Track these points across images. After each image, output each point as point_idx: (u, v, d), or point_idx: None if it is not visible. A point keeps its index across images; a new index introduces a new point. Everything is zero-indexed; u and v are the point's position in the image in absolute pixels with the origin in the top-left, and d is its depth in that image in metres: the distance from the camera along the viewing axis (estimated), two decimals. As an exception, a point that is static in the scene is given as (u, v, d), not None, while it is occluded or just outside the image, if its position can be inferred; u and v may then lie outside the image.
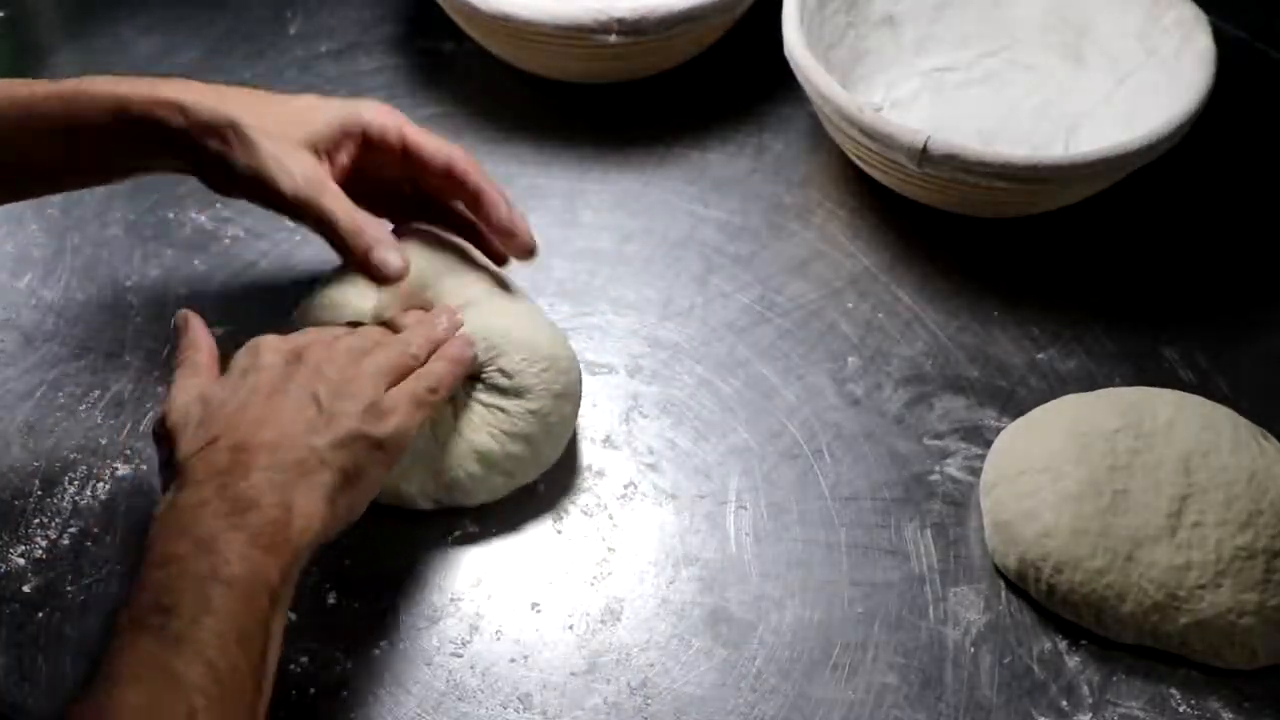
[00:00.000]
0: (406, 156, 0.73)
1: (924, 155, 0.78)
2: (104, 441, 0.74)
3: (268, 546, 0.57)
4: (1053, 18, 0.94)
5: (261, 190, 0.68)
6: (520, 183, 0.89)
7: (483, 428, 0.70)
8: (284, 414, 0.61)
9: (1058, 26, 0.93)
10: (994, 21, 0.95)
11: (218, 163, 0.69)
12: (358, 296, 0.73)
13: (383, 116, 0.73)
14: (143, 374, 0.78)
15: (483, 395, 0.71)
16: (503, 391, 0.70)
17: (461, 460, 0.70)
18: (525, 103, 0.95)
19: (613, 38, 0.86)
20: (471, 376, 0.71)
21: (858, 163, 0.87)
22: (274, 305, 0.81)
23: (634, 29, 0.86)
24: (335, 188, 0.69)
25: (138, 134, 0.69)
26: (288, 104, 0.73)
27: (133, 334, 0.80)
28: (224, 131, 0.68)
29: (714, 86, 0.96)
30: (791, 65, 0.85)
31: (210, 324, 0.80)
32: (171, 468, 0.60)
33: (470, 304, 0.72)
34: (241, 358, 0.64)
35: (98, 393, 0.77)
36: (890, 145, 0.79)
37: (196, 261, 0.84)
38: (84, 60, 0.98)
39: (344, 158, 0.72)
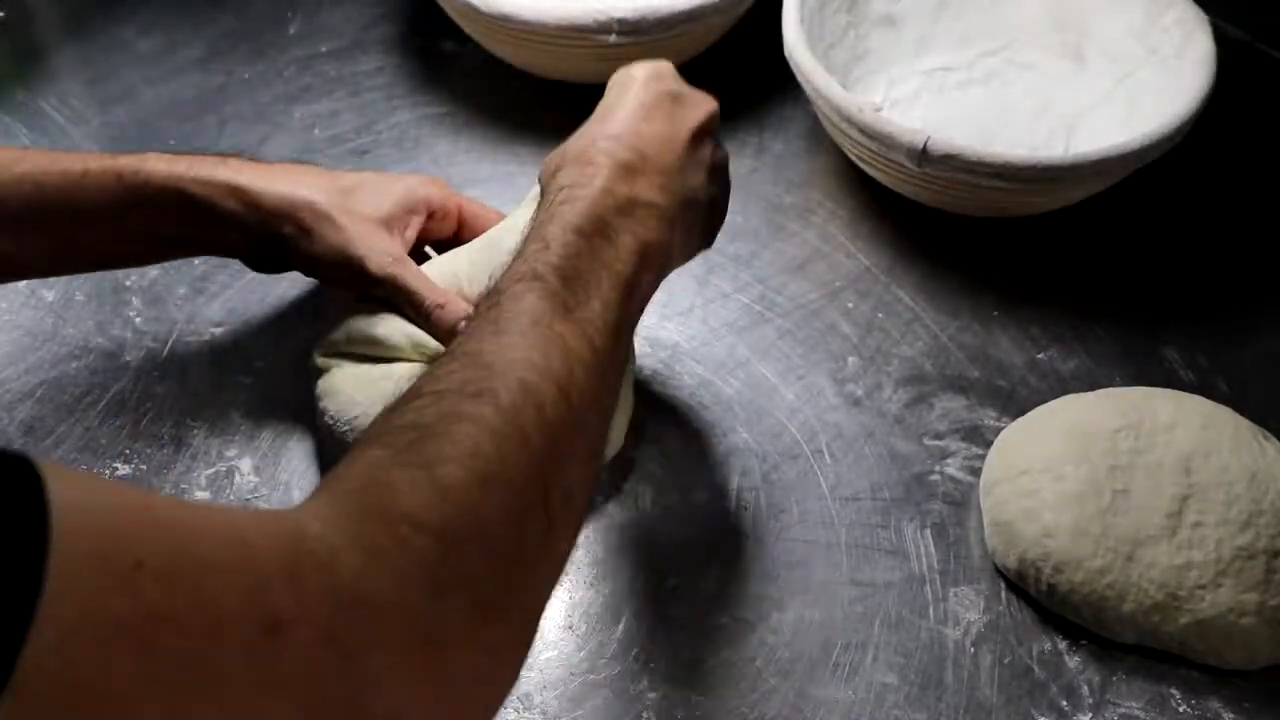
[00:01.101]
0: (461, 223, 0.78)
1: (924, 155, 0.78)
2: (104, 441, 0.74)
3: (646, 262, 0.58)
4: (1053, 18, 0.94)
5: (344, 269, 0.70)
6: (520, 183, 0.89)
7: None
8: (668, 131, 0.63)
9: (1058, 26, 0.93)
10: (994, 21, 0.95)
11: (289, 244, 0.70)
12: (396, 331, 0.72)
13: (440, 191, 0.77)
14: (143, 374, 0.78)
15: None
16: None
17: None
18: (525, 103, 0.95)
19: (613, 38, 0.86)
20: None
21: (858, 163, 0.87)
22: (274, 305, 0.81)
23: (634, 29, 0.86)
24: (413, 264, 0.72)
25: (197, 217, 0.70)
26: (357, 181, 0.74)
27: (133, 334, 0.80)
28: (301, 214, 0.70)
29: (714, 86, 0.96)
30: (791, 65, 0.85)
31: (210, 324, 0.80)
32: (592, 148, 0.61)
33: None
34: (630, 71, 0.66)
35: (97, 393, 0.77)
36: (890, 145, 0.79)
37: (196, 261, 0.84)
38: (84, 60, 0.98)
39: (410, 232, 0.74)
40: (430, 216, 0.76)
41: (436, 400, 0.48)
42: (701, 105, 0.66)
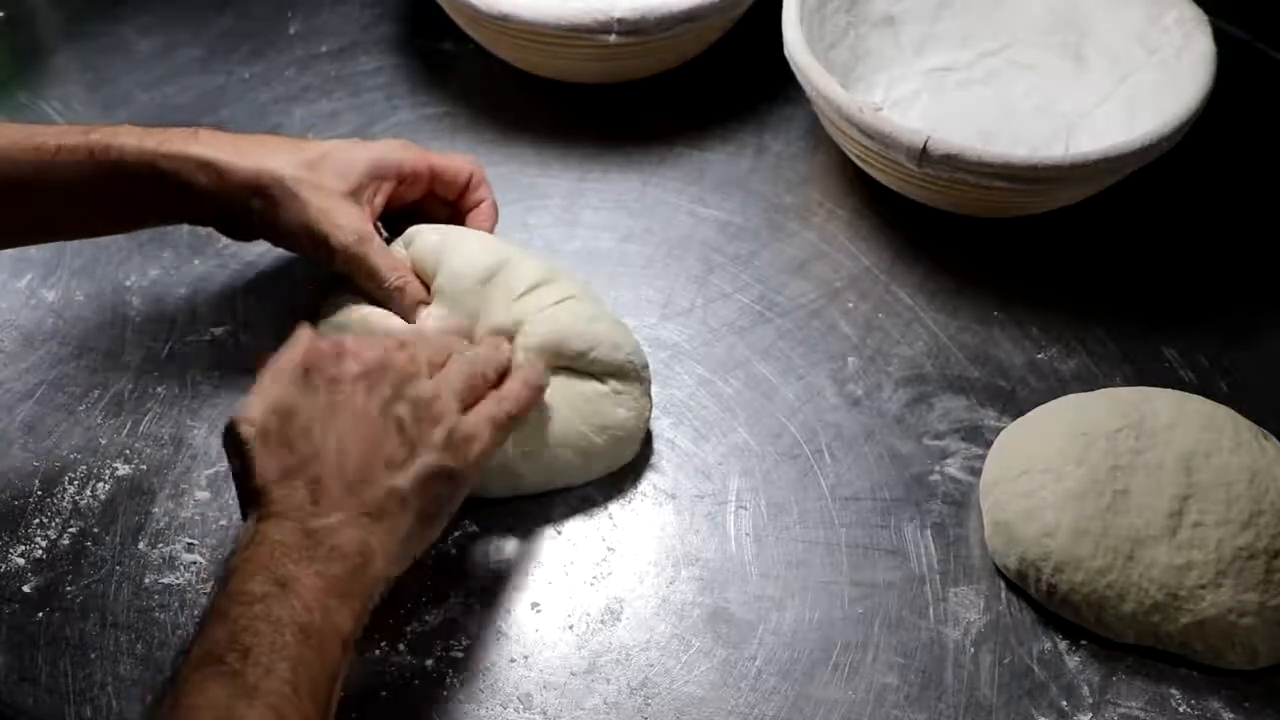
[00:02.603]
0: (434, 180, 0.78)
1: (924, 155, 0.78)
2: (104, 441, 0.74)
3: (344, 594, 0.56)
4: (1053, 18, 0.94)
5: (309, 243, 0.72)
6: (520, 183, 0.89)
7: (575, 419, 0.71)
8: (367, 444, 0.60)
9: (1058, 26, 0.93)
10: (994, 21, 0.95)
11: (256, 217, 0.72)
12: (388, 318, 0.74)
13: (410, 155, 0.77)
14: (143, 374, 0.78)
15: (582, 385, 0.72)
16: (602, 380, 0.72)
17: (561, 446, 0.71)
18: (525, 103, 0.95)
19: (613, 38, 0.86)
20: (565, 367, 0.72)
21: (858, 163, 0.86)
22: (274, 305, 0.81)
23: (634, 29, 0.86)
24: (379, 240, 0.73)
25: (167, 192, 0.71)
26: (323, 153, 0.74)
27: (133, 334, 0.80)
28: (268, 188, 0.71)
29: (714, 86, 0.96)
30: (791, 65, 0.85)
31: (210, 324, 0.80)
32: (248, 489, 0.59)
33: (542, 284, 0.73)
34: (323, 360, 0.62)
35: (98, 393, 0.77)
36: (890, 145, 0.79)
37: (196, 261, 0.84)
38: (84, 60, 0.98)
39: (379, 199, 0.75)
40: (400, 181, 0.76)
41: None
42: (429, 409, 0.62)
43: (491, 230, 0.79)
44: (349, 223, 0.72)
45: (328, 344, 0.63)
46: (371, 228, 0.73)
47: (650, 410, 0.74)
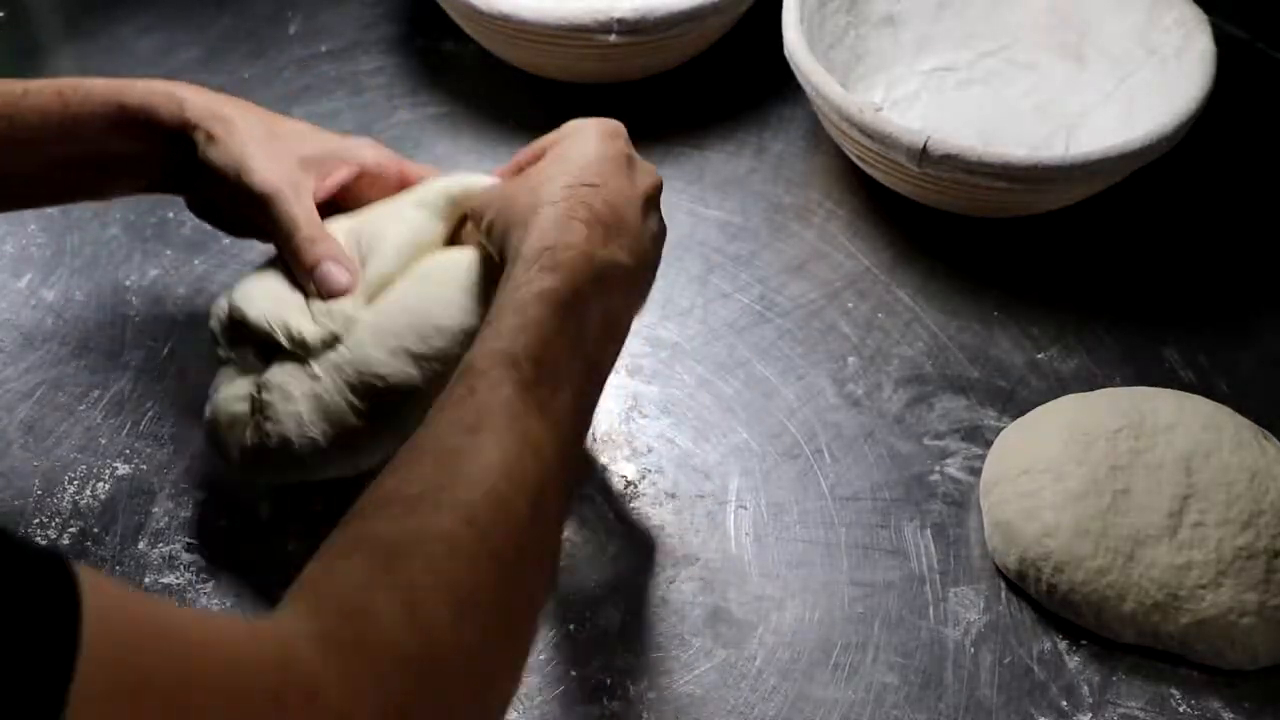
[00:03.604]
0: (402, 184, 0.74)
1: (924, 155, 0.78)
2: (104, 441, 0.74)
3: (613, 337, 0.58)
4: (1053, 18, 0.94)
5: (232, 183, 0.68)
6: (520, 183, 0.89)
7: None
8: (635, 202, 0.61)
9: (1058, 26, 0.93)
10: (994, 21, 0.95)
11: (200, 156, 0.69)
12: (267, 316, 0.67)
13: (379, 153, 0.74)
14: (143, 374, 0.78)
15: None
16: None
17: None
18: (525, 103, 0.95)
19: (613, 38, 0.86)
20: None
21: (858, 163, 0.87)
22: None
23: (634, 29, 0.86)
24: (308, 201, 0.69)
25: (134, 127, 0.69)
26: (292, 126, 0.72)
27: (133, 334, 0.80)
28: (213, 126, 0.68)
29: (714, 86, 0.96)
30: (791, 65, 0.85)
31: (210, 324, 0.80)
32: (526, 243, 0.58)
33: None
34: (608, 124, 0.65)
35: (98, 393, 0.77)
36: (890, 145, 0.79)
37: (196, 261, 0.84)
38: (84, 60, 0.98)
39: (331, 182, 0.71)
40: (361, 178, 0.72)
41: (410, 509, 0.48)
42: (651, 172, 0.65)
43: None
44: (283, 171, 0.68)
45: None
46: (306, 184, 0.69)
47: None
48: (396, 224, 0.68)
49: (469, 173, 0.71)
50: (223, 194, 0.69)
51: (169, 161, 0.71)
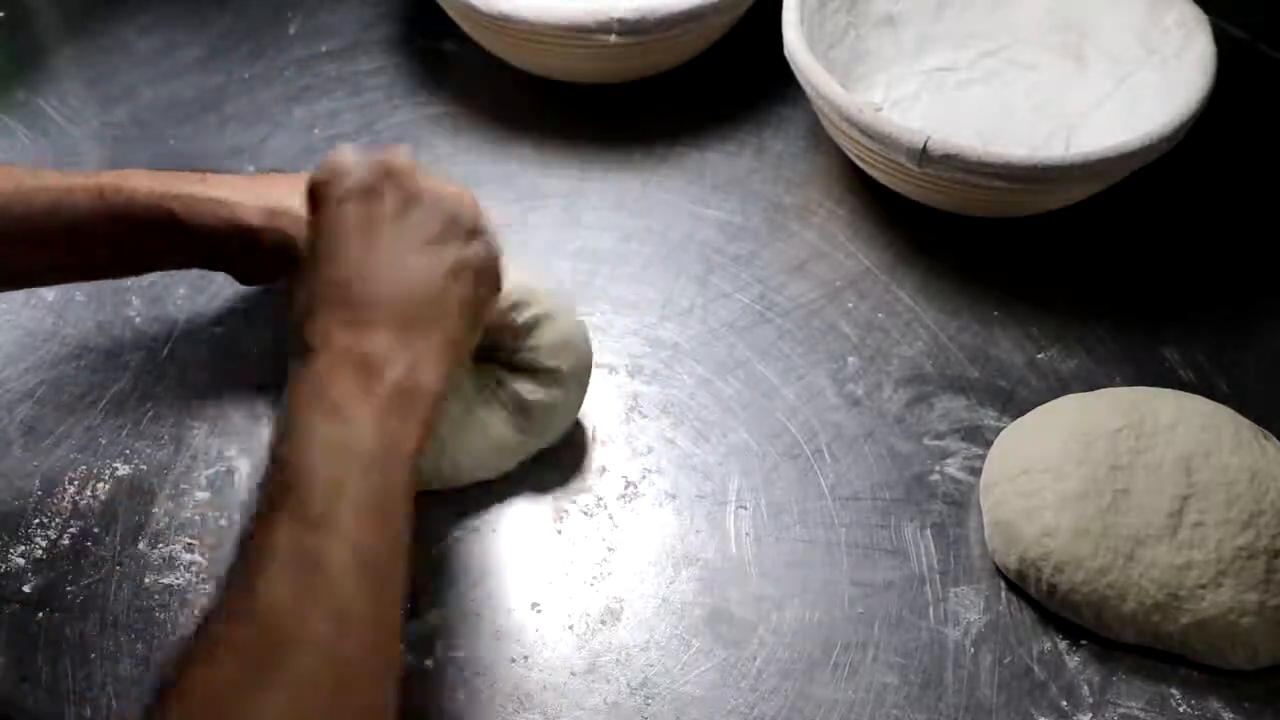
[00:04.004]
0: None
1: (924, 155, 0.78)
2: (104, 441, 0.74)
3: (401, 412, 0.55)
4: (1053, 18, 0.94)
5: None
6: (520, 183, 0.89)
7: (495, 404, 0.71)
8: (391, 257, 0.58)
9: (1058, 26, 0.93)
10: (994, 21, 0.95)
11: (274, 253, 0.70)
12: None
13: None
14: (143, 374, 0.78)
15: (506, 374, 0.71)
16: (532, 371, 0.71)
17: (473, 439, 0.71)
18: (525, 103, 0.95)
19: (613, 38, 0.86)
20: (498, 349, 0.71)
21: (858, 163, 0.87)
22: (274, 305, 0.81)
23: (634, 29, 0.86)
24: None
25: (179, 234, 0.70)
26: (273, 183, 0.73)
27: (133, 334, 0.80)
28: (280, 220, 0.69)
29: (714, 86, 0.96)
30: (791, 65, 0.85)
31: (210, 324, 0.80)
32: (292, 333, 0.57)
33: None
34: (325, 187, 0.60)
35: (97, 393, 0.77)
36: (890, 145, 0.79)
37: (196, 261, 0.84)
38: (84, 60, 0.98)
39: None
40: None
41: (230, 657, 0.47)
42: (440, 204, 0.60)
43: None
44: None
45: (322, 169, 0.60)
46: None
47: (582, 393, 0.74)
48: None
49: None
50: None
51: (222, 260, 0.73)
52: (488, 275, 0.62)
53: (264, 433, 0.75)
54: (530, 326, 0.70)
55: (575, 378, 0.72)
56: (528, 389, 0.71)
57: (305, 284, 0.58)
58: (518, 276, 0.70)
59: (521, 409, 0.71)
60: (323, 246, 0.58)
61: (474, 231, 0.61)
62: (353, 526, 0.51)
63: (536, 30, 0.86)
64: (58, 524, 0.71)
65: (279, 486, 0.52)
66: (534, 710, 0.64)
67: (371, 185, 0.60)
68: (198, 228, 0.70)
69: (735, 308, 0.82)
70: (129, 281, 0.83)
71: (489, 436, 0.71)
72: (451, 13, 0.93)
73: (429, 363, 0.57)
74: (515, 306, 0.70)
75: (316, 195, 0.60)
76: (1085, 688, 0.66)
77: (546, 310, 0.71)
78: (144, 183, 0.70)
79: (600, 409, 0.77)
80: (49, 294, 0.82)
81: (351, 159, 0.60)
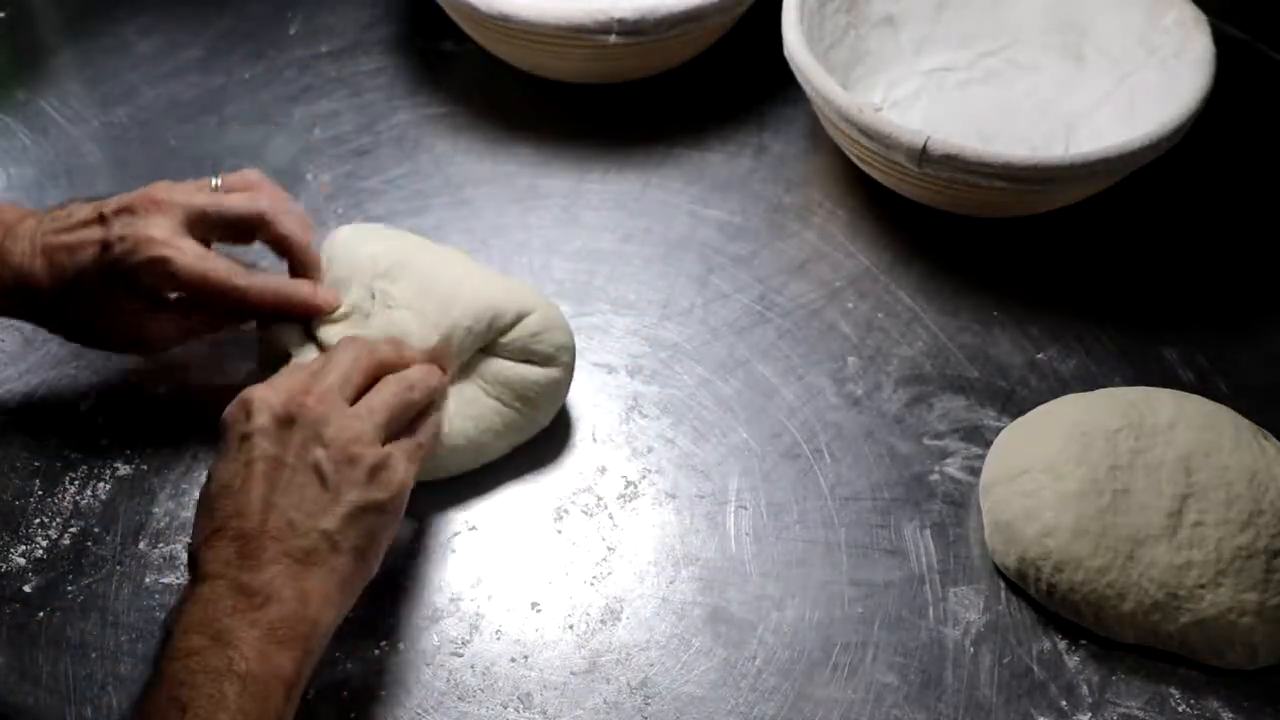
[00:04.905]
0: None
1: (924, 155, 0.78)
2: (104, 441, 0.74)
3: (283, 640, 0.57)
4: (1053, 18, 0.94)
5: (155, 281, 0.70)
6: (520, 183, 0.89)
7: (480, 398, 0.72)
8: (289, 495, 0.60)
9: (1058, 26, 0.93)
10: (994, 21, 0.95)
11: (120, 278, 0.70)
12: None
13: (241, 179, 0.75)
14: (143, 375, 0.78)
15: (492, 366, 0.72)
16: (517, 360, 0.72)
17: (461, 429, 0.71)
18: (525, 103, 0.95)
19: (613, 38, 0.86)
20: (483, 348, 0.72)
21: (858, 163, 0.87)
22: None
23: (634, 29, 0.86)
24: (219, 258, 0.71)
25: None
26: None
27: (133, 334, 0.80)
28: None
29: (714, 86, 0.96)
30: (791, 65, 0.85)
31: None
32: (191, 555, 0.60)
33: (461, 277, 0.73)
34: (234, 422, 0.62)
35: (98, 393, 0.77)
36: (890, 145, 0.79)
37: (196, 261, 0.84)
38: (84, 61, 0.98)
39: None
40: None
41: None
42: (345, 449, 0.61)
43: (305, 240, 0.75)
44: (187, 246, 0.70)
45: (236, 403, 0.63)
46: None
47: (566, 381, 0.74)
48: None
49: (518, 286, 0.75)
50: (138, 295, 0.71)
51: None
52: (388, 514, 0.62)
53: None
54: (514, 324, 0.72)
55: (567, 352, 0.73)
56: (524, 371, 0.72)
57: (204, 510, 0.60)
58: (488, 286, 0.72)
59: (519, 394, 0.72)
60: (224, 476, 0.61)
61: (376, 470, 0.62)
62: None
63: (536, 30, 0.86)
64: (58, 523, 0.71)
65: (157, 704, 0.54)
66: (534, 710, 0.64)
67: (279, 425, 0.61)
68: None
69: (735, 308, 0.82)
70: (129, 281, 0.83)
71: (487, 421, 0.71)
72: (451, 13, 0.93)
73: (318, 597, 0.58)
74: (495, 318, 0.71)
75: (226, 427, 0.63)
76: (1085, 687, 0.66)
77: (522, 307, 0.72)
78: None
79: (600, 409, 0.77)
80: (49, 294, 0.82)
81: (265, 396, 0.62)
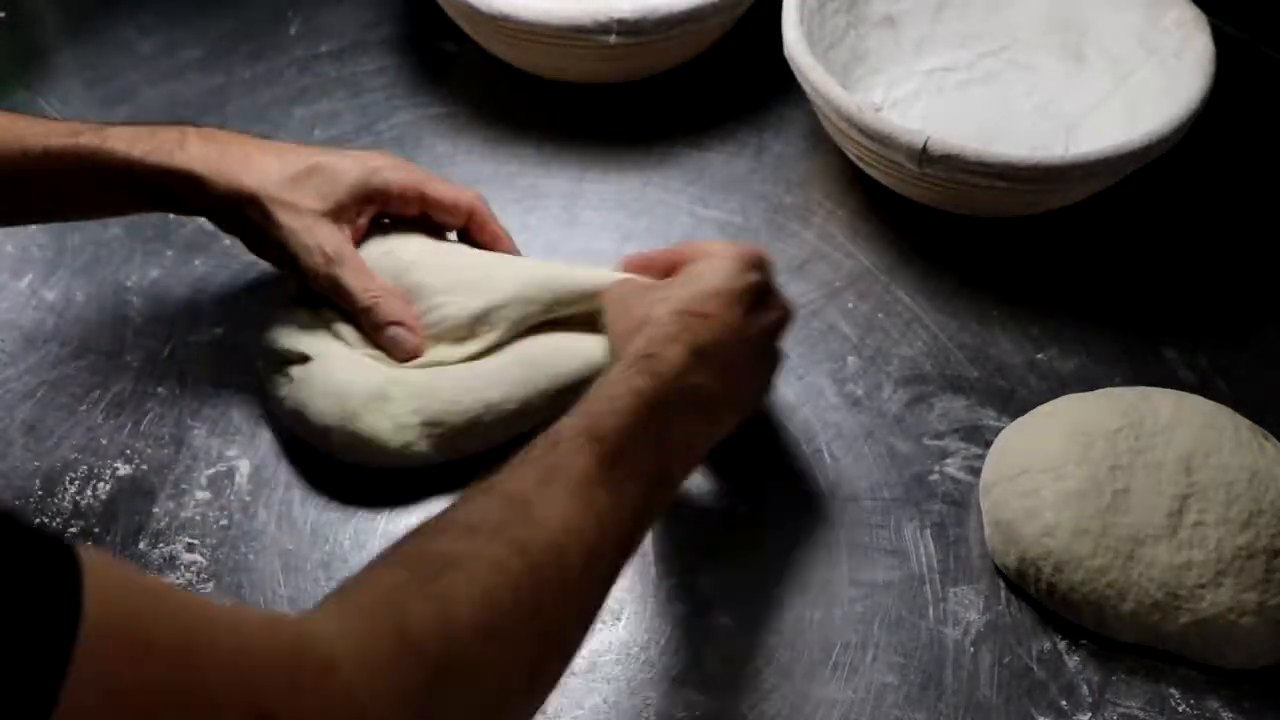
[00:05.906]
0: (425, 205, 0.76)
1: (924, 155, 0.78)
2: (104, 441, 0.74)
3: (684, 456, 0.61)
4: (1053, 18, 0.94)
5: (282, 262, 0.72)
6: (520, 183, 0.89)
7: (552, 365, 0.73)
8: (746, 341, 0.64)
9: (1058, 26, 0.93)
10: (994, 21, 0.95)
11: (243, 227, 0.73)
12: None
13: (402, 176, 0.75)
14: (143, 374, 0.78)
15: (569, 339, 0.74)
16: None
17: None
18: (525, 103, 0.95)
19: (613, 38, 0.86)
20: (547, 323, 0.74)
21: (858, 163, 0.87)
22: (274, 306, 0.81)
23: (634, 29, 0.86)
24: (357, 260, 0.72)
25: (151, 196, 0.72)
26: (310, 167, 0.73)
27: (133, 334, 0.80)
28: (245, 206, 0.71)
29: (714, 86, 0.96)
30: (791, 65, 0.85)
31: (210, 324, 0.80)
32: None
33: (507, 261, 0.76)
34: (743, 285, 0.66)
35: (98, 393, 0.77)
36: (890, 145, 0.79)
37: (196, 261, 0.84)
38: (84, 61, 0.98)
39: (363, 220, 0.75)
40: (387, 203, 0.75)
41: (469, 535, 0.49)
42: (781, 309, 0.68)
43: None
44: (320, 243, 0.71)
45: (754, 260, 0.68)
46: (348, 247, 0.72)
47: None
48: (518, 306, 0.73)
49: (594, 267, 0.75)
50: (272, 260, 0.74)
51: (199, 214, 0.74)
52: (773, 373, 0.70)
53: (264, 433, 0.75)
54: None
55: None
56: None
57: (667, 301, 0.64)
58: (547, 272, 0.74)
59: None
60: (696, 281, 0.65)
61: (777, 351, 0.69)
62: (629, 509, 0.55)
63: (536, 30, 0.86)
64: (58, 524, 0.71)
65: (595, 433, 0.56)
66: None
67: (755, 263, 0.67)
68: (168, 197, 0.72)
69: (735, 308, 0.82)
70: (129, 281, 0.83)
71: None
72: (451, 13, 0.93)
73: (717, 425, 0.63)
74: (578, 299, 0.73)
75: (713, 252, 0.67)
76: (1085, 687, 0.66)
77: (590, 285, 0.73)
78: (120, 147, 0.70)
79: (600, 409, 0.77)
80: (49, 294, 0.82)
81: (754, 268, 0.67)
